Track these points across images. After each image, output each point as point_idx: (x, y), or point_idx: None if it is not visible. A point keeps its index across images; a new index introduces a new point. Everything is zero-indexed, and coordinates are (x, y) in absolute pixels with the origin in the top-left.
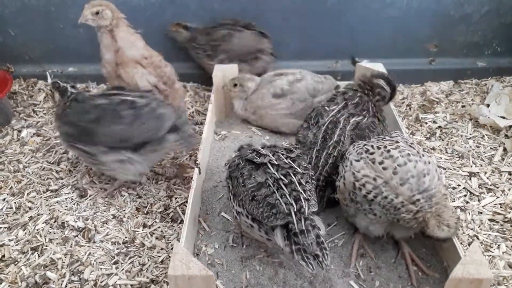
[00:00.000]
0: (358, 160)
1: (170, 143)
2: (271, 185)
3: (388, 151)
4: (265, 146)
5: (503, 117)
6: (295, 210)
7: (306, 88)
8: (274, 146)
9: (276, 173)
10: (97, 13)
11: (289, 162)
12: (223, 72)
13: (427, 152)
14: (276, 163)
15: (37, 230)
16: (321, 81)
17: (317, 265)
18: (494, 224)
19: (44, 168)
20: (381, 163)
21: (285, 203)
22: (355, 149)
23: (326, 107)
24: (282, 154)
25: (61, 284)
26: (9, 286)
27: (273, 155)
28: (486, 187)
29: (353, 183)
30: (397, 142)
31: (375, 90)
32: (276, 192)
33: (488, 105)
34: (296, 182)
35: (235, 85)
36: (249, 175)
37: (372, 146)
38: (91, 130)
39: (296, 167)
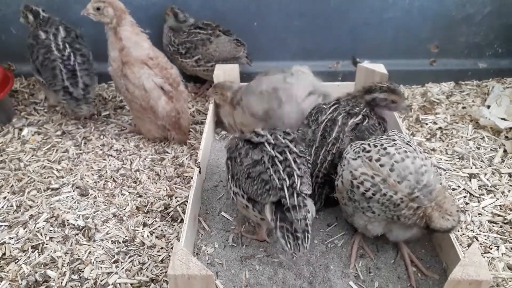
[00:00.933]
0: (355, 159)
1: None
2: (266, 162)
3: (385, 148)
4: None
5: (504, 119)
6: (287, 185)
7: (290, 112)
8: (274, 129)
9: (272, 151)
10: (98, 8)
11: (286, 142)
12: (224, 72)
13: (427, 153)
14: (273, 142)
15: (38, 228)
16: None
17: (295, 246)
18: (493, 226)
19: (44, 166)
20: (378, 160)
21: (278, 178)
22: (352, 148)
23: (324, 105)
24: (280, 135)
25: (61, 283)
26: (9, 284)
27: (271, 135)
28: (486, 189)
29: (350, 181)
30: (394, 140)
31: (378, 104)
32: (271, 168)
33: (488, 107)
34: (291, 159)
35: (216, 92)
36: (246, 154)
37: (369, 145)
38: None
39: (292, 147)
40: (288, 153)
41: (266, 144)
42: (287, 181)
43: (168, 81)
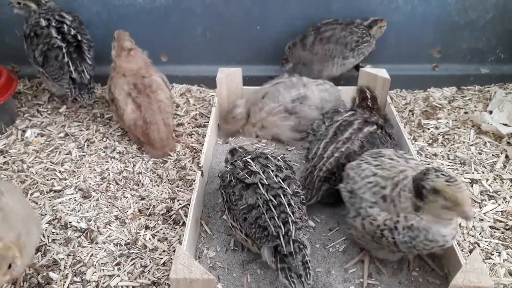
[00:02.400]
0: (372, 207)
1: None
2: (261, 207)
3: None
4: (256, 156)
5: (506, 124)
6: (283, 233)
7: (310, 107)
8: (266, 158)
9: (266, 194)
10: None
11: (279, 182)
12: (227, 76)
13: (429, 158)
14: (267, 183)
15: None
16: (326, 89)
17: (300, 284)
18: (495, 232)
19: (47, 168)
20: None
21: (273, 226)
22: (365, 184)
23: (341, 109)
24: (272, 171)
25: (63, 285)
26: (11, 286)
27: (263, 172)
28: (487, 194)
29: (373, 231)
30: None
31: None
32: (265, 213)
33: (490, 112)
34: (286, 204)
35: (233, 117)
36: (240, 196)
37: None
38: None
39: (286, 187)
40: (282, 197)
41: (259, 185)
42: (282, 228)
43: (136, 88)
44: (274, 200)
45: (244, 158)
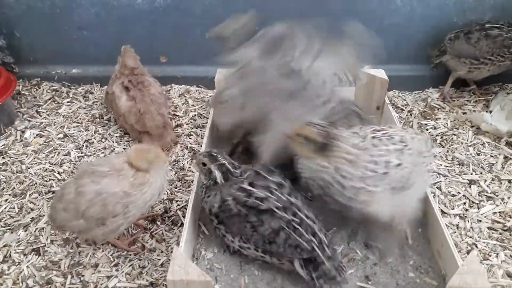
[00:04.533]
0: None
1: None
2: (286, 229)
3: None
4: (252, 180)
5: (505, 124)
6: (317, 244)
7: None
8: (264, 178)
9: (285, 215)
10: None
11: (288, 198)
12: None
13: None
14: (280, 205)
15: (39, 231)
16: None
17: (337, 285)
18: (493, 233)
19: (46, 169)
20: None
21: (306, 242)
22: None
23: None
24: (276, 190)
25: (62, 286)
26: (11, 287)
27: (270, 193)
28: (485, 195)
29: None
30: None
31: None
32: (294, 233)
33: (490, 111)
34: (305, 218)
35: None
36: (261, 222)
37: None
38: None
39: (296, 202)
40: (299, 213)
41: (275, 209)
42: (314, 240)
43: (130, 82)
44: (295, 219)
45: (242, 187)
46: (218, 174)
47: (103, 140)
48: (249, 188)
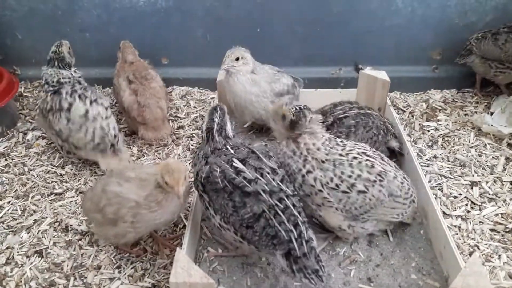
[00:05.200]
0: None
1: None
2: (267, 213)
3: None
4: (245, 157)
5: (505, 126)
6: (295, 236)
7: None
8: (258, 158)
9: (270, 199)
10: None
11: (279, 184)
12: None
13: (428, 160)
14: (268, 189)
15: (42, 233)
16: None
17: (318, 279)
18: (495, 234)
19: (48, 171)
20: None
21: (284, 230)
22: None
23: None
24: (269, 174)
25: None
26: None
27: (261, 175)
28: (487, 197)
29: None
30: None
31: None
32: (273, 219)
33: (492, 113)
34: (291, 206)
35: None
36: (243, 204)
37: None
38: None
39: (286, 189)
40: (286, 200)
41: (261, 192)
42: (294, 232)
43: (134, 75)
44: (280, 205)
45: (232, 160)
46: (209, 124)
47: None
48: (240, 166)
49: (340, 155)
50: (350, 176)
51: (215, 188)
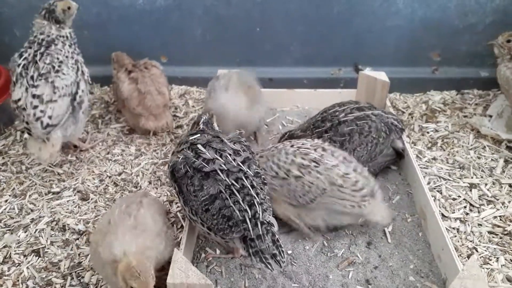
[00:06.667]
0: None
1: None
2: (223, 192)
3: None
4: (208, 141)
5: (504, 131)
6: (250, 217)
7: None
8: (221, 141)
9: (227, 179)
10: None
11: (239, 165)
12: None
13: (428, 162)
14: (226, 168)
15: (39, 232)
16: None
17: (276, 264)
18: (493, 237)
19: (46, 170)
20: None
21: (239, 210)
22: None
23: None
24: (230, 155)
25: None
26: None
27: (220, 157)
28: (486, 199)
29: None
30: None
31: None
32: (229, 198)
33: (490, 116)
34: (249, 186)
35: None
36: (201, 186)
37: None
38: None
39: (246, 170)
40: (244, 179)
41: (218, 171)
42: (249, 212)
43: (133, 65)
44: (236, 184)
45: (195, 145)
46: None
47: (103, 141)
48: (201, 149)
49: (278, 147)
50: (285, 162)
51: (180, 176)
